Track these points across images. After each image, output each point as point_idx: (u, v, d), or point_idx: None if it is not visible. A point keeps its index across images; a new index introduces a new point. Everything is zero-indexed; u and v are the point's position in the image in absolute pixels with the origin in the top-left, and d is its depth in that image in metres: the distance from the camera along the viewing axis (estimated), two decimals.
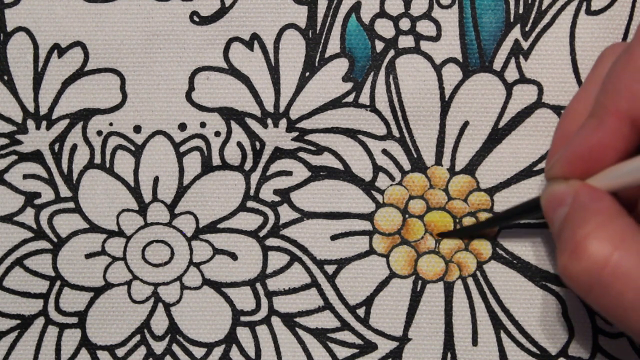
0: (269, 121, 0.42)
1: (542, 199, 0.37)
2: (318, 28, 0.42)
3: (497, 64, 0.42)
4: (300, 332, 0.43)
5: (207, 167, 0.43)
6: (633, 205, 0.36)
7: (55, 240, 0.43)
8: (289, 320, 0.43)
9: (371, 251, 0.43)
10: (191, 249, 0.43)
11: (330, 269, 0.43)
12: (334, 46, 0.42)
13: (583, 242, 0.32)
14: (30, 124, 0.42)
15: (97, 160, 0.43)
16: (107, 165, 0.43)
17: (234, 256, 0.43)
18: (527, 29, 0.42)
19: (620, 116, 0.34)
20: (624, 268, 0.32)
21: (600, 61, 0.39)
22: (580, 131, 0.35)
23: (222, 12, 0.42)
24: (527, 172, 0.42)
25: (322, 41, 0.42)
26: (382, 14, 0.42)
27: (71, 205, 0.43)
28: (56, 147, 0.42)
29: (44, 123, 0.42)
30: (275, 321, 0.43)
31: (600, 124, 0.34)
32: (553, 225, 0.35)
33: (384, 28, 0.42)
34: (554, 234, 0.35)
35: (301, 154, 0.42)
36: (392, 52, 0.42)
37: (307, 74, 0.42)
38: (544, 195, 0.36)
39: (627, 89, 0.34)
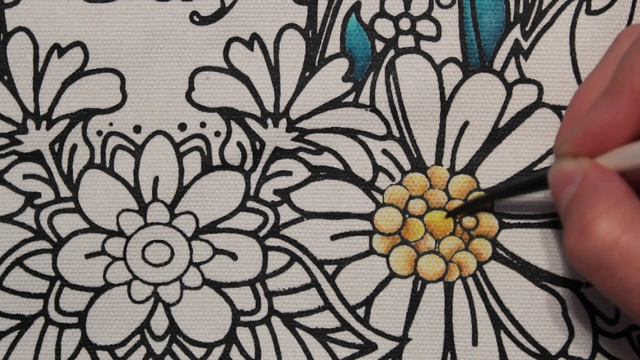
0: (269, 121, 0.42)
1: (550, 175, 0.36)
2: (318, 28, 0.42)
3: (497, 64, 0.42)
4: (300, 332, 0.43)
5: (207, 167, 0.43)
6: None
7: (55, 240, 0.43)
8: (289, 320, 0.43)
9: (371, 251, 0.43)
10: (191, 249, 0.43)
11: (330, 269, 0.43)
12: (334, 46, 0.42)
13: (592, 223, 0.32)
14: (30, 124, 0.42)
15: (97, 160, 0.43)
16: (107, 165, 0.43)
17: (234, 256, 0.43)
18: (527, 29, 0.42)
19: (634, 96, 0.34)
20: (632, 250, 0.32)
21: (617, 42, 0.39)
22: (593, 109, 0.35)
23: (222, 12, 0.42)
24: (527, 172, 0.42)
25: (322, 41, 0.42)
26: (382, 14, 0.42)
27: (71, 205, 0.43)
28: (56, 147, 0.42)
29: (44, 123, 0.42)
30: (275, 321, 0.43)
31: (613, 102, 0.34)
32: (560, 203, 0.35)
33: (384, 28, 0.42)
34: (560, 212, 0.35)
35: (301, 154, 0.42)
36: (392, 52, 0.42)
37: (307, 74, 0.42)
38: (552, 172, 0.36)
39: None
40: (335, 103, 0.42)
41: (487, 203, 0.42)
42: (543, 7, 0.42)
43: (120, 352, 0.43)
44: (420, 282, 0.42)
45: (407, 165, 0.42)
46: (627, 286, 0.32)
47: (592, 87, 0.38)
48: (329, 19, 0.42)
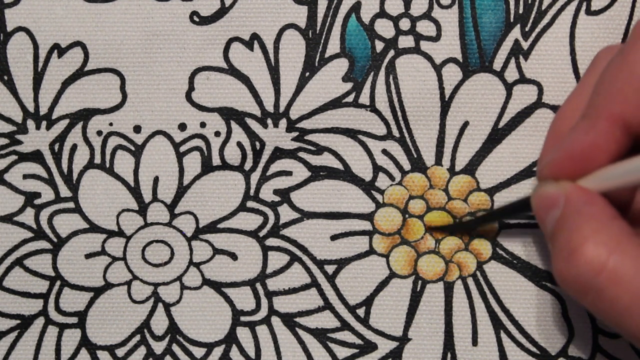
0: (269, 121, 0.42)
1: (533, 200, 0.36)
2: (318, 28, 0.42)
3: (497, 64, 0.42)
4: (300, 332, 0.43)
5: (207, 167, 0.43)
6: (624, 207, 0.36)
7: (55, 240, 0.43)
8: (289, 320, 0.43)
9: (371, 251, 0.43)
10: (191, 249, 0.43)
11: (330, 269, 0.43)
12: (334, 46, 0.42)
13: (579, 247, 0.32)
14: (30, 124, 0.42)
15: (97, 160, 0.43)
16: (107, 165, 0.43)
17: (234, 256, 0.43)
18: (527, 29, 0.42)
19: (612, 119, 0.34)
20: (620, 273, 0.32)
21: (595, 63, 0.39)
22: (572, 132, 0.35)
23: (222, 12, 0.42)
24: (527, 172, 0.42)
25: (322, 41, 0.42)
26: (382, 14, 0.42)
27: (71, 205, 0.43)
28: (56, 147, 0.42)
29: (44, 123, 0.42)
30: (275, 321, 0.43)
31: (592, 125, 0.34)
32: (545, 227, 0.35)
33: (384, 28, 0.42)
34: (546, 236, 0.35)
35: (301, 154, 0.42)
36: (392, 52, 0.42)
37: (307, 74, 0.42)
38: (535, 197, 0.36)
39: (620, 91, 0.34)
40: (335, 103, 0.42)
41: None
42: (543, 7, 0.42)
43: (120, 352, 0.43)
44: (420, 282, 0.42)
45: (407, 165, 0.42)
46: (617, 308, 0.32)
47: (572, 108, 0.38)
48: (329, 19, 0.42)
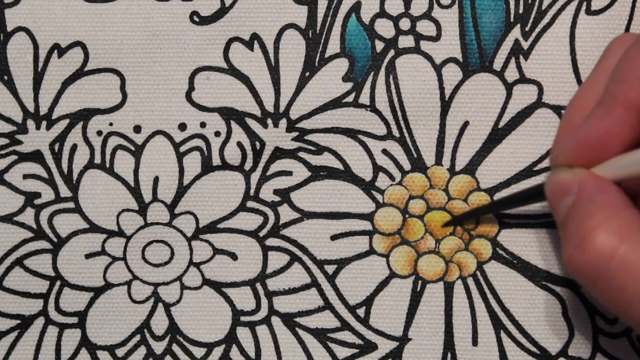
0: (269, 121, 0.42)
1: (547, 187, 0.36)
2: (318, 28, 0.42)
3: (497, 64, 0.42)
4: (300, 332, 0.43)
5: (207, 167, 0.43)
6: (638, 196, 0.36)
7: (55, 240, 0.43)
8: (289, 320, 0.43)
9: (371, 251, 0.43)
10: (191, 249, 0.43)
11: (330, 269, 0.43)
12: (334, 46, 0.42)
13: (590, 234, 0.32)
14: (30, 124, 0.42)
15: (97, 160, 0.43)
16: (107, 165, 0.43)
17: (234, 256, 0.43)
18: (527, 29, 0.42)
19: (628, 106, 0.34)
20: (630, 261, 0.32)
21: (609, 52, 0.39)
22: (588, 119, 0.35)
23: (222, 12, 0.42)
24: (527, 172, 0.42)
25: (322, 41, 0.42)
26: (382, 14, 0.42)
27: (71, 205, 0.43)
28: (56, 147, 0.42)
29: (44, 123, 0.42)
30: (275, 321, 0.43)
31: (608, 112, 0.34)
32: (558, 215, 0.35)
33: (384, 28, 0.42)
34: (558, 223, 0.35)
35: (301, 154, 0.42)
36: (392, 52, 0.42)
37: (307, 74, 0.42)
38: (549, 184, 0.36)
39: (637, 79, 0.34)
40: (335, 103, 0.42)
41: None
42: (543, 7, 0.42)
43: (120, 352, 0.43)
44: (420, 282, 0.42)
45: (407, 165, 0.42)
46: (627, 296, 0.32)
47: (585, 97, 0.38)
48: (329, 19, 0.42)
